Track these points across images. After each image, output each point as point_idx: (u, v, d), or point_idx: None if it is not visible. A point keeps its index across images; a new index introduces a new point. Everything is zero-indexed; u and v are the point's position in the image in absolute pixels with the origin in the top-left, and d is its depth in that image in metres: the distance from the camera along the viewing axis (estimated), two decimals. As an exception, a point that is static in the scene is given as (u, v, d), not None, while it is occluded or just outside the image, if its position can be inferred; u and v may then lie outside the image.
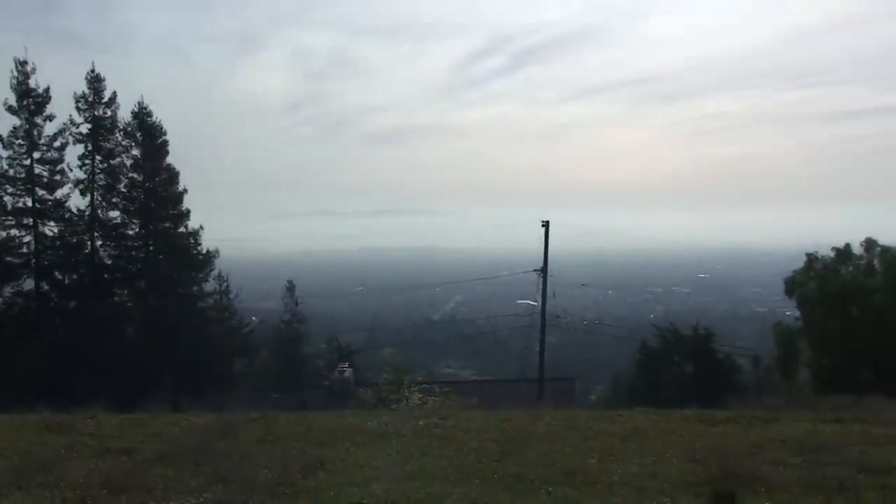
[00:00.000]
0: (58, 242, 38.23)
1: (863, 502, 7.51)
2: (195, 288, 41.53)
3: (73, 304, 38.87)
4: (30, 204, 37.31)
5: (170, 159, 40.29)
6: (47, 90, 37.17)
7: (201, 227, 40.81)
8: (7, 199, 36.94)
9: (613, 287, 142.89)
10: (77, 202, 38.55)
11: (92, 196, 38.56)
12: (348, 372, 37.42)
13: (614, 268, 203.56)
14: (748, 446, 10.01)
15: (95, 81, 38.67)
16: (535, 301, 34.82)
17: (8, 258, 36.99)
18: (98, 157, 38.70)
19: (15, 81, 36.61)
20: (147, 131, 39.44)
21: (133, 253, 40.12)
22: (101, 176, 38.89)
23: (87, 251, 38.87)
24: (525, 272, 35.03)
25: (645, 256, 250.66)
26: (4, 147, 36.59)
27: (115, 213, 39.56)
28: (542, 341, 34.46)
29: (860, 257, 33.32)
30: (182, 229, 40.47)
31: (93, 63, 39.25)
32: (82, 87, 38.41)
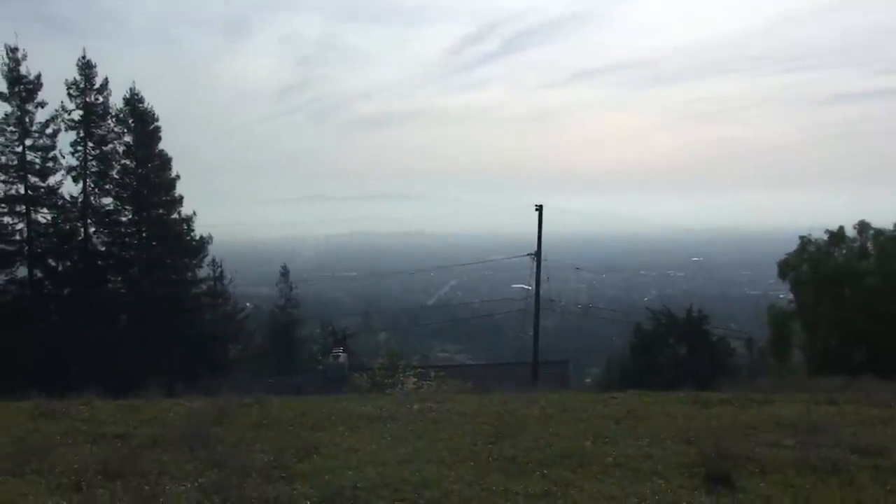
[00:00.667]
0: (51, 230, 38.17)
1: (856, 482, 7.57)
2: (189, 274, 41.47)
3: (66, 291, 38.85)
4: (22, 191, 37.16)
5: (162, 145, 40.23)
6: (38, 77, 36.96)
7: (194, 213, 40.82)
8: (-1, 186, 36.71)
9: (607, 270, 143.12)
10: (70, 189, 38.47)
11: (84, 183, 38.49)
12: (343, 356, 37.29)
13: (607, 251, 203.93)
14: (742, 428, 10.02)
15: (87, 68, 38.43)
16: (529, 285, 34.89)
17: (1, 246, 36.88)
18: (90, 144, 38.57)
19: (6, 68, 36.32)
20: (139, 117, 39.23)
21: (126, 239, 40.08)
22: (94, 162, 38.83)
23: (80, 238, 38.79)
24: (519, 256, 35.07)
25: (638, 240, 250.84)
26: (-4, 134, 36.31)
27: (107, 200, 39.53)
28: (537, 325, 34.58)
29: (853, 240, 33.43)
30: (175, 215, 40.36)
31: (84, 49, 39.02)
32: (73, 74, 38.21)
